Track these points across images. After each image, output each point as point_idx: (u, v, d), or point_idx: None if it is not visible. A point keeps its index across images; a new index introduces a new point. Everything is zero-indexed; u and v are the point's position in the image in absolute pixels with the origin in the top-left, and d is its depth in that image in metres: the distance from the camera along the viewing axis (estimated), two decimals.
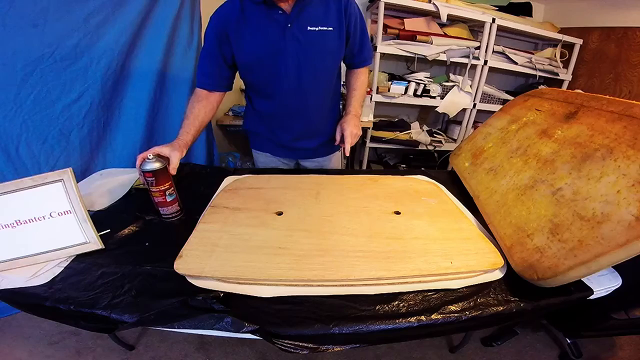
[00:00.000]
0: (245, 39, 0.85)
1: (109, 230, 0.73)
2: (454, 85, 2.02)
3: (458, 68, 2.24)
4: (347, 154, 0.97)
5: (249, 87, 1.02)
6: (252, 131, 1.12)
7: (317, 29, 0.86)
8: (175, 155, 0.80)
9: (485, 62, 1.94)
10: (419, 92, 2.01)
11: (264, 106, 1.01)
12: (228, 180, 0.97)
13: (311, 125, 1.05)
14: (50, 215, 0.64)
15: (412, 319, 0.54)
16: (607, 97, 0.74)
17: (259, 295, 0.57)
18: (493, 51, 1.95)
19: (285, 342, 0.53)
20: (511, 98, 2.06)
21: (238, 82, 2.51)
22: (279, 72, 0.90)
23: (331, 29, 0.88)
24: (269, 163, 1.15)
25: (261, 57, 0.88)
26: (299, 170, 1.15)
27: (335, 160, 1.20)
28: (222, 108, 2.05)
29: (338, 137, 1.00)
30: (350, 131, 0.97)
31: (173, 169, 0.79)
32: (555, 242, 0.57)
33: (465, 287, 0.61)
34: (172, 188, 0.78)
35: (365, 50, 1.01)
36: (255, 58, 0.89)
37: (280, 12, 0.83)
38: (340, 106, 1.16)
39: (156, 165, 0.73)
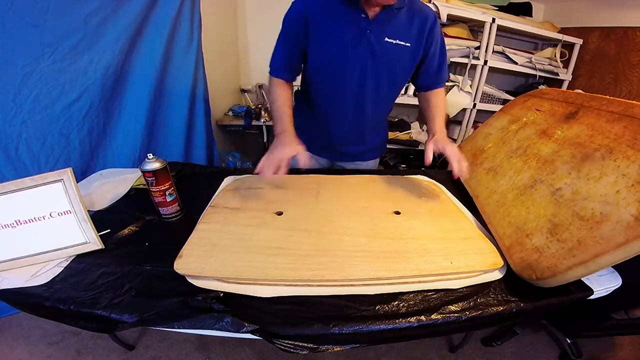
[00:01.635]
0: (321, 32, 0.83)
1: (109, 230, 0.73)
2: (454, 85, 2.02)
3: (458, 68, 2.23)
4: (466, 175, 0.83)
5: (308, 81, 0.98)
6: (298, 129, 1.11)
7: (394, 41, 0.84)
8: (302, 150, 0.81)
9: (485, 62, 1.94)
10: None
11: (319, 105, 0.99)
12: (228, 180, 0.97)
13: (361, 133, 1.04)
14: (50, 215, 0.64)
15: (412, 319, 0.54)
16: (607, 97, 0.75)
17: (258, 295, 0.57)
18: (493, 51, 1.94)
19: (285, 342, 0.53)
20: (511, 98, 2.06)
21: (238, 82, 2.50)
22: (343, 74, 0.88)
23: (408, 45, 0.85)
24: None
25: (330, 56, 0.86)
26: (330, 170, 1.13)
27: (373, 165, 1.19)
28: (222, 108, 2.05)
29: (430, 155, 0.85)
30: (459, 152, 0.83)
31: (305, 164, 0.81)
32: (554, 242, 0.57)
33: (465, 287, 0.61)
34: (172, 188, 0.78)
35: (443, 72, 0.96)
36: (324, 54, 0.87)
37: (363, 15, 0.80)
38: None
39: (156, 165, 0.73)
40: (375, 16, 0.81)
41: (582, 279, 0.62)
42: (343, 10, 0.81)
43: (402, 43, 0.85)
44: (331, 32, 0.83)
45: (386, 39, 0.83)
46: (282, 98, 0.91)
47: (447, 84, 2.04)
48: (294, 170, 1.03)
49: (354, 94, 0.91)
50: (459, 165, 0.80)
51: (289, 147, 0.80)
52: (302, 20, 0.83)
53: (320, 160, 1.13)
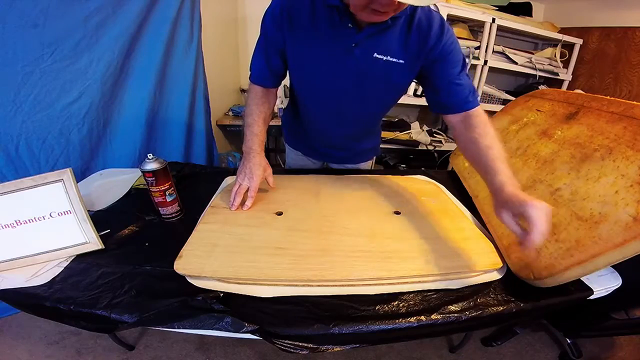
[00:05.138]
0: (301, 40, 0.73)
1: (109, 230, 0.73)
2: None
3: None
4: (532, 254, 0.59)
5: (293, 87, 0.91)
6: (288, 128, 1.10)
7: (384, 58, 0.71)
8: (270, 173, 0.85)
9: (485, 62, 1.94)
10: (419, 92, 2.00)
11: (303, 113, 0.94)
12: (228, 180, 0.97)
13: (347, 143, 1.01)
14: (50, 215, 0.64)
15: (412, 319, 0.54)
16: (608, 97, 0.75)
17: (258, 295, 0.57)
18: (493, 51, 1.94)
19: (285, 342, 0.53)
20: (511, 98, 2.06)
21: (238, 82, 2.50)
22: (325, 89, 0.80)
23: (402, 62, 0.72)
24: (298, 160, 1.13)
25: (310, 69, 0.78)
26: (324, 170, 1.12)
27: (365, 166, 1.16)
28: (222, 108, 2.05)
29: (518, 229, 0.53)
30: (548, 212, 0.50)
31: (273, 184, 0.85)
32: (553, 242, 0.57)
33: (465, 287, 0.61)
34: (172, 188, 0.78)
35: (465, 89, 0.72)
36: (304, 67, 0.78)
37: (350, 25, 0.68)
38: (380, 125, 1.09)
39: (156, 165, 0.73)
40: (366, 27, 0.68)
41: (582, 279, 0.62)
42: (328, 17, 0.69)
43: (395, 60, 0.72)
44: (311, 42, 0.73)
45: (375, 54, 0.71)
46: (256, 113, 0.84)
47: None
48: (293, 171, 1.04)
49: (337, 109, 0.85)
50: (540, 235, 0.48)
51: (256, 175, 0.80)
52: (280, 22, 0.72)
53: (312, 159, 1.13)
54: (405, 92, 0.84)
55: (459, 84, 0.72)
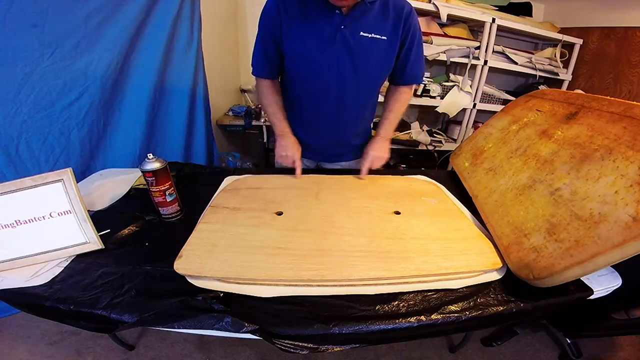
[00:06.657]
0: (295, 29, 0.83)
1: (109, 230, 0.73)
2: (454, 85, 2.02)
3: (458, 68, 2.23)
4: (362, 175, 0.98)
5: (288, 82, 0.97)
6: None
7: (369, 35, 0.84)
8: (300, 151, 0.98)
9: (485, 62, 1.94)
10: (419, 92, 2.01)
11: (299, 104, 0.99)
12: (228, 180, 0.97)
13: (343, 133, 1.04)
14: (50, 215, 0.64)
15: (412, 319, 0.54)
16: (608, 98, 0.74)
17: (258, 295, 0.57)
18: (493, 51, 1.95)
19: (285, 342, 0.53)
20: (511, 98, 2.06)
21: (238, 82, 2.50)
22: (321, 71, 0.88)
23: (384, 38, 0.85)
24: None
25: (305, 53, 0.86)
26: (318, 170, 1.13)
27: (357, 165, 1.15)
28: (222, 108, 2.05)
29: (364, 170, 1.00)
30: (373, 155, 0.98)
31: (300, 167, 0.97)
32: (552, 242, 0.57)
33: (465, 287, 0.61)
34: (172, 188, 0.78)
35: (418, 67, 0.96)
36: (299, 52, 0.87)
37: (337, 11, 0.81)
38: (372, 123, 1.15)
39: (156, 165, 0.73)
40: (350, 11, 0.81)
41: (582, 279, 0.62)
42: (317, 7, 0.81)
43: (378, 36, 0.85)
44: (305, 29, 0.83)
45: (362, 33, 0.83)
46: (273, 101, 0.97)
47: (447, 83, 2.03)
48: (292, 171, 1.04)
49: (333, 90, 0.91)
50: (362, 166, 0.98)
51: (294, 149, 0.95)
52: (276, 17, 0.83)
53: (306, 162, 1.13)
54: (391, 69, 0.95)
55: (420, 60, 0.95)
